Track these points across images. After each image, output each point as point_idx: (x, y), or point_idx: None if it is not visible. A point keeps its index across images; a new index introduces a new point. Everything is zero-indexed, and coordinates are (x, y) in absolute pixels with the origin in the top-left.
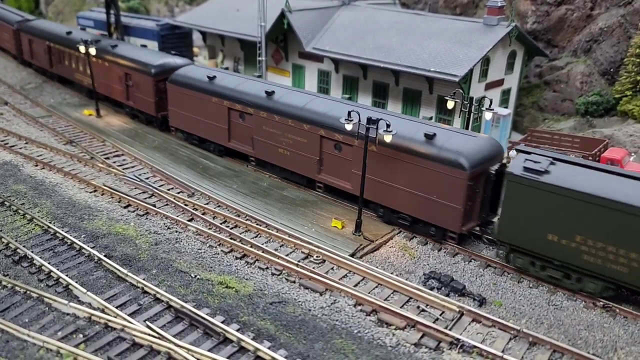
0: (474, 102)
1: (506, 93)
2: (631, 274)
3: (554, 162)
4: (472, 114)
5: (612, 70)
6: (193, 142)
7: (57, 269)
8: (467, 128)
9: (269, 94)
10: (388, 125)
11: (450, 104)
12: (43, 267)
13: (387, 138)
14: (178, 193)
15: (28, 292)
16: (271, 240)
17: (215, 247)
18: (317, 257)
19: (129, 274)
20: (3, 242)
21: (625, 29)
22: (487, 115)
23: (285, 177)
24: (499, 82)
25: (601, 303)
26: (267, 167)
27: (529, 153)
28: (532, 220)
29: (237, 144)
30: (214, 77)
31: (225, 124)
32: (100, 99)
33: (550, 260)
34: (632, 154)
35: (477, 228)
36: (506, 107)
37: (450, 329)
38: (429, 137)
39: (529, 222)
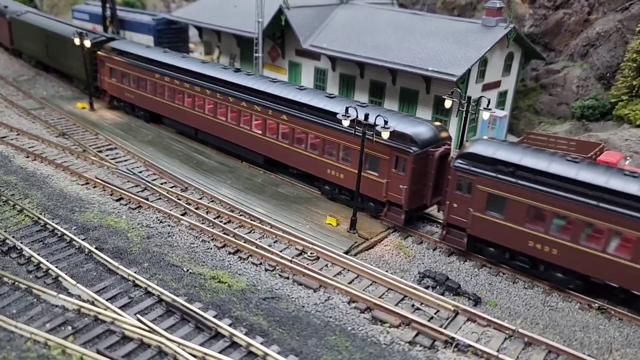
0: (471, 102)
1: (503, 95)
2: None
3: None
4: (469, 114)
5: (608, 74)
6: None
7: (47, 261)
8: (464, 128)
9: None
10: (386, 122)
11: (447, 104)
12: (32, 258)
13: (385, 135)
14: (171, 187)
15: (16, 283)
16: (265, 236)
17: (208, 242)
18: (311, 253)
19: (120, 266)
20: None
21: (622, 34)
22: (485, 115)
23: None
24: (496, 84)
25: (597, 305)
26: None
27: None
28: None
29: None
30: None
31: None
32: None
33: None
34: (628, 157)
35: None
36: (503, 109)
37: (445, 328)
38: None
39: None
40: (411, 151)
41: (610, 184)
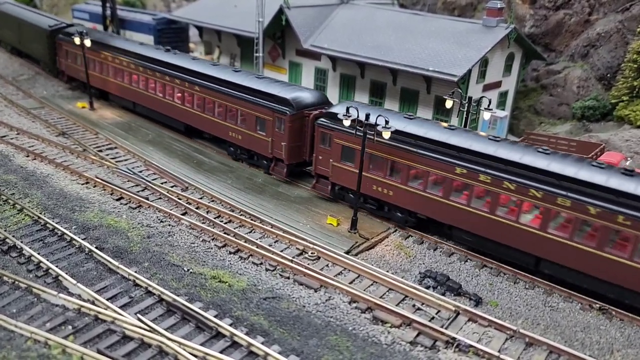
0: (472, 102)
1: (503, 95)
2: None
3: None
4: (469, 114)
5: (608, 75)
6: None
7: (47, 260)
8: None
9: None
10: (387, 122)
11: (448, 104)
12: (32, 258)
13: (386, 135)
14: (171, 187)
15: (16, 282)
16: (265, 235)
17: (209, 242)
18: (312, 253)
19: (121, 266)
20: None
21: (623, 34)
22: (486, 116)
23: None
24: (497, 84)
25: (597, 305)
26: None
27: None
28: None
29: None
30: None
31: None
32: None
33: None
34: (628, 158)
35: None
36: (503, 109)
37: (446, 328)
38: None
39: None
40: (288, 112)
41: (429, 134)
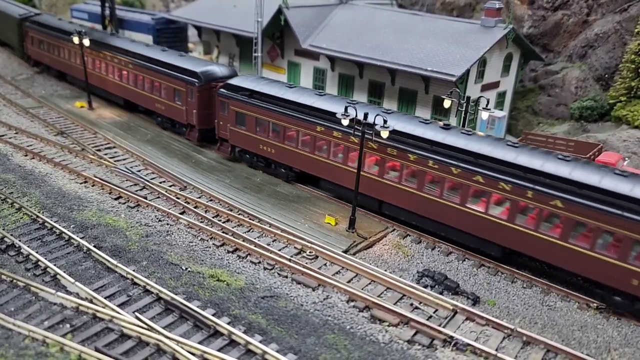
0: (470, 102)
1: (502, 95)
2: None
3: None
4: (468, 114)
5: (606, 75)
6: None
7: (45, 259)
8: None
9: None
10: (385, 121)
11: (447, 103)
12: (30, 256)
13: (384, 134)
14: (170, 186)
15: (14, 280)
16: (264, 234)
17: (207, 241)
18: (310, 252)
19: (119, 265)
20: None
21: (621, 35)
22: (484, 115)
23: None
24: (495, 84)
25: (595, 304)
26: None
27: None
28: None
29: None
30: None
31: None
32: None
33: None
34: (626, 158)
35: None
36: (501, 110)
37: (444, 327)
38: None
39: None
40: (197, 84)
41: (301, 99)
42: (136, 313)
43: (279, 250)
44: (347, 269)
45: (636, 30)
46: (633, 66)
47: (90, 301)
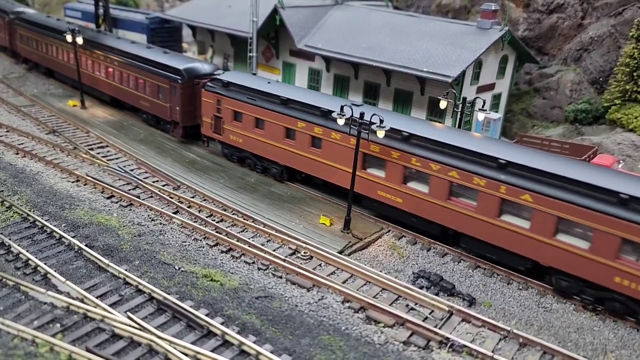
0: (466, 103)
1: (497, 97)
2: None
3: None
4: (463, 115)
5: (601, 79)
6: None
7: (36, 257)
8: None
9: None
10: (381, 121)
11: (442, 104)
12: (21, 255)
13: (380, 134)
14: (163, 185)
15: (4, 279)
16: (258, 235)
17: (201, 240)
18: (304, 253)
19: (111, 264)
20: None
21: (616, 38)
22: (480, 116)
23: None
24: (491, 86)
25: (591, 306)
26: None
27: None
28: None
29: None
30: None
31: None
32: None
33: None
34: (620, 161)
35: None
36: (497, 112)
37: (439, 328)
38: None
39: None
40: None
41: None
42: (128, 313)
43: (274, 250)
44: (342, 270)
45: (631, 33)
46: (627, 69)
47: (81, 300)
